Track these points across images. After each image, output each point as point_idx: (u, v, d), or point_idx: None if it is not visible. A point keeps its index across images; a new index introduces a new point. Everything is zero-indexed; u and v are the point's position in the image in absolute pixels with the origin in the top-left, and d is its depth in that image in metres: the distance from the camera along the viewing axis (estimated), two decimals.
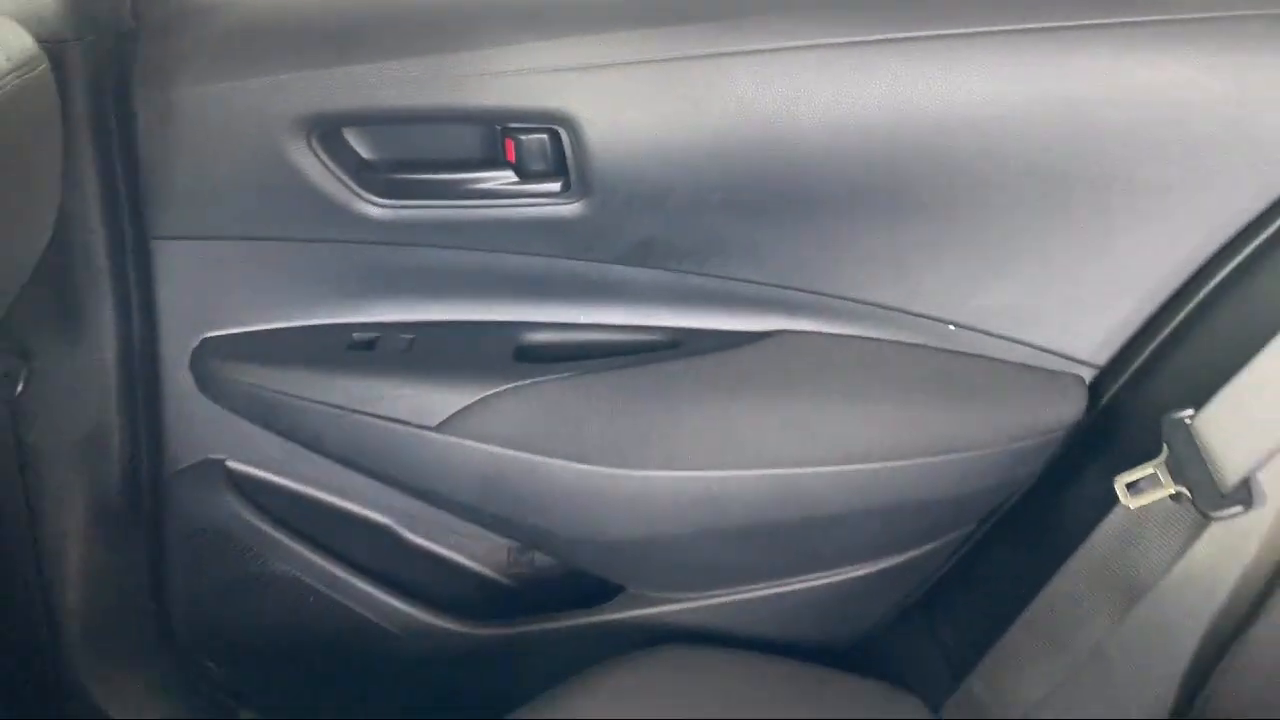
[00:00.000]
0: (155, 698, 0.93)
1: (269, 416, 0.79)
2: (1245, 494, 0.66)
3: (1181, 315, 0.75)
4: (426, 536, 0.89)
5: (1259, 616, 0.66)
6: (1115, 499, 0.71)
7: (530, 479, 0.76)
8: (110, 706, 0.91)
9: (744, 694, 0.77)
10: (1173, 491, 0.68)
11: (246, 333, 0.79)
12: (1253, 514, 0.66)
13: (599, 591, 0.88)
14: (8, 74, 0.50)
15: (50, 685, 0.89)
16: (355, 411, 0.76)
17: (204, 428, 0.83)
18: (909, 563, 0.84)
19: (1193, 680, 0.69)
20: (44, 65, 0.54)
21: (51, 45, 0.61)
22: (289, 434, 0.79)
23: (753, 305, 0.79)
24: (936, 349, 0.79)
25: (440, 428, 0.75)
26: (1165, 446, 0.69)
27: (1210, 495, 0.66)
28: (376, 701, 0.91)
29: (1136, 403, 0.76)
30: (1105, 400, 0.79)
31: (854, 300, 0.78)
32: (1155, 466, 0.69)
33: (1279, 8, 0.70)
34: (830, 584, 0.84)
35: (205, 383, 0.79)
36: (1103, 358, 0.78)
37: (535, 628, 0.87)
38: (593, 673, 0.76)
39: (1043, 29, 0.70)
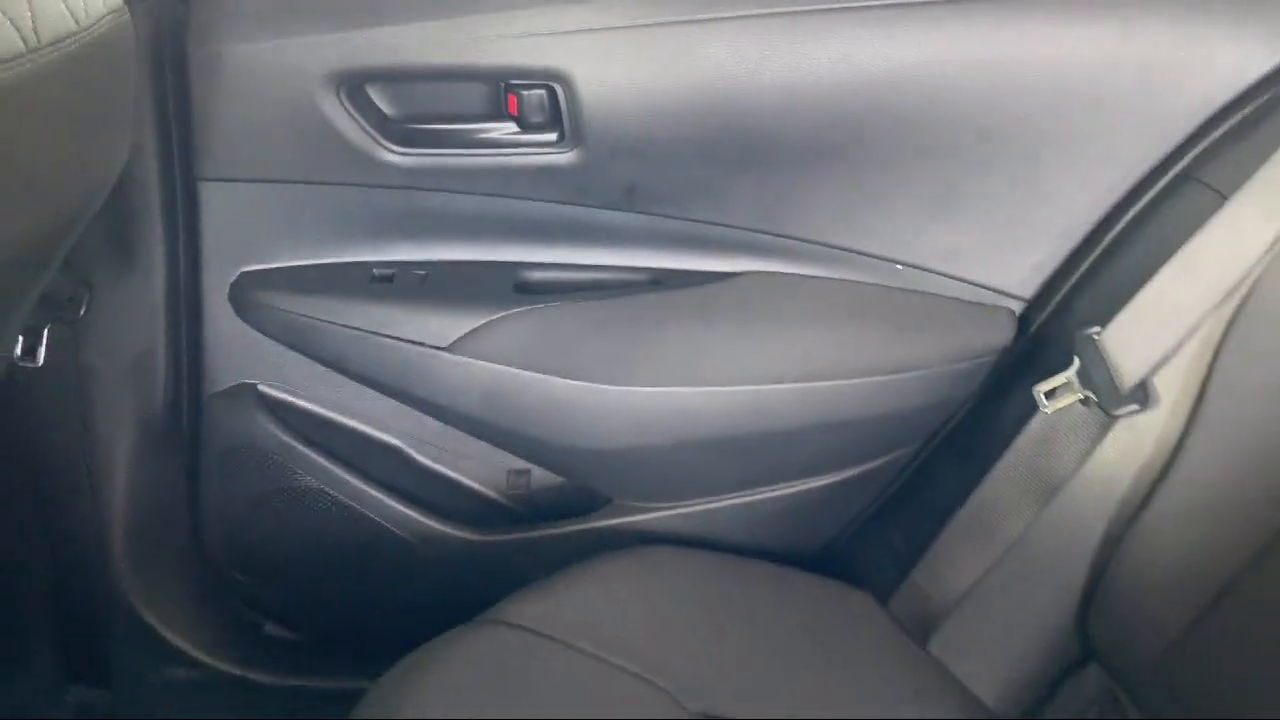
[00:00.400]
0: (187, 607, 1.04)
1: (299, 340, 0.89)
2: (1142, 395, 0.77)
3: (1096, 252, 0.86)
4: (433, 459, 1.00)
5: (1149, 505, 0.77)
6: (1036, 409, 0.82)
7: (527, 394, 0.87)
8: (146, 612, 1.01)
9: (714, 588, 0.88)
10: (1081, 396, 0.80)
11: (280, 268, 0.89)
12: (1148, 413, 0.77)
13: (587, 506, 0.99)
14: (104, 16, 0.60)
15: (94, 589, 0.99)
16: (374, 334, 0.87)
17: (239, 355, 0.93)
18: (864, 475, 0.96)
19: (1098, 564, 0.81)
20: (127, 15, 0.64)
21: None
22: (316, 355, 0.90)
23: (724, 247, 0.90)
24: (885, 286, 0.90)
25: (449, 348, 0.86)
26: (1076, 359, 0.80)
27: (1112, 397, 0.78)
28: (388, 603, 1.02)
29: (1058, 328, 0.88)
30: (1033, 329, 0.90)
31: (813, 242, 0.89)
32: (1067, 376, 0.81)
33: None
34: (793, 494, 0.95)
35: (242, 311, 0.89)
36: (1029, 291, 0.89)
37: (530, 535, 0.97)
38: (578, 568, 0.86)
39: (975, 1, 0.81)
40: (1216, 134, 0.80)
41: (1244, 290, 0.74)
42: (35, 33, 0.55)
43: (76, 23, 0.58)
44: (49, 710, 1.04)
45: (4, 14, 0.53)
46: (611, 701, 0.74)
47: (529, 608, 0.80)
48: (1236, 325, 0.74)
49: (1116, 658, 0.78)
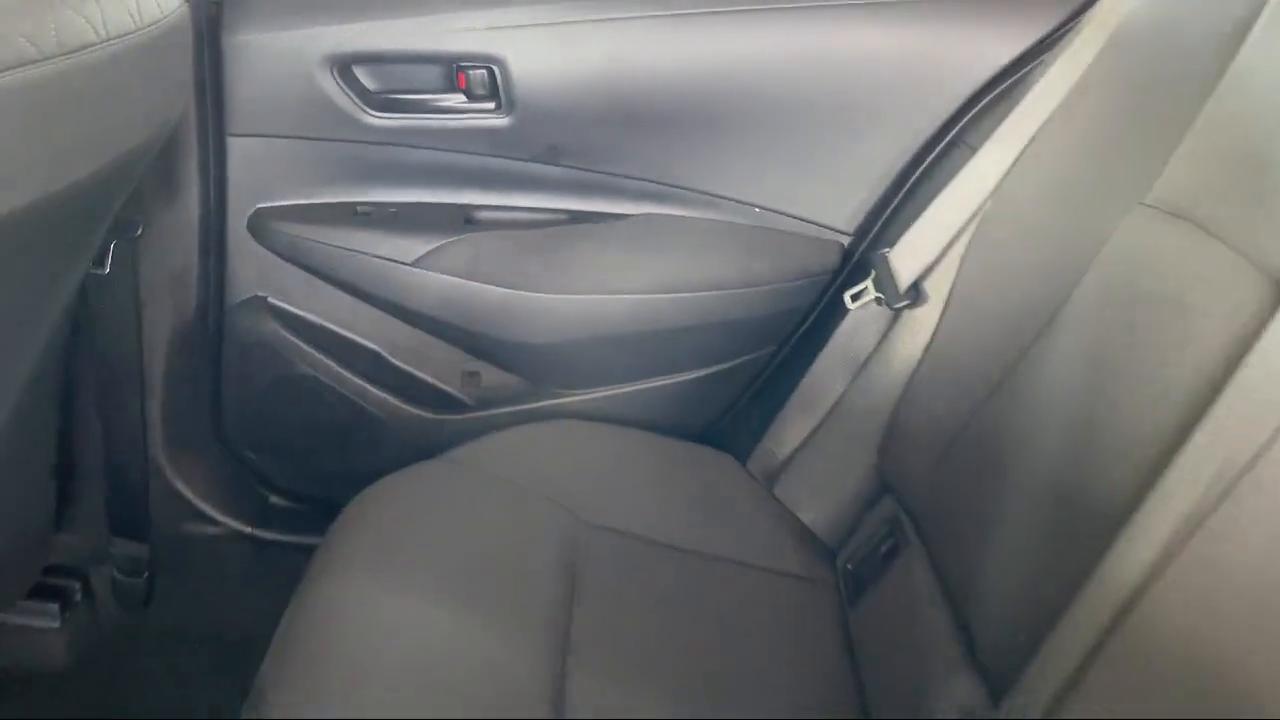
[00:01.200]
0: (209, 478, 1.31)
1: (301, 258, 1.18)
2: (914, 294, 1.07)
3: (898, 197, 1.16)
4: (402, 360, 1.28)
5: (920, 368, 1.06)
6: (847, 310, 1.11)
7: (472, 299, 1.16)
8: (177, 481, 1.29)
9: (612, 447, 1.17)
10: (875, 297, 1.09)
11: (287, 204, 1.17)
12: (921, 308, 1.07)
13: (523, 399, 1.28)
14: (161, 18, 0.87)
15: (137, 461, 1.26)
16: (357, 252, 1.15)
17: (255, 273, 1.21)
18: (733, 369, 1.25)
19: (891, 417, 1.09)
20: (186, 13, 0.92)
21: None
22: (313, 270, 1.18)
23: (621, 193, 1.19)
24: (745, 224, 1.19)
25: (414, 263, 1.15)
26: (874, 271, 1.10)
27: (894, 297, 1.07)
28: (364, 470, 1.30)
29: (869, 253, 1.17)
30: (855, 255, 1.19)
31: (687, 189, 1.19)
32: (866, 284, 1.10)
33: None
34: (679, 383, 1.24)
35: (258, 237, 1.18)
36: (852, 227, 1.19)
37: (476, 415, 1.26)
38: (509, 430, 1.15)
39: (793, 8, 1.10)
40: (974, 110, 1.10)
41: (980, 216, 1.03)
42: (105, 27, 0.83)
43: (135, 22, 0.86)
44: (100, 557, 1.31)
45: (82, 15, 0.80)
46: (526, 512, 1.03)
47: (469, 452, 1.09)
48: (974, 243, 1.03)
49: (900, 486, 1.07)
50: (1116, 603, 0.67)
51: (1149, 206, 0.84)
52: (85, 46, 0.75)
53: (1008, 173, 1.02)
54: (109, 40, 0.79)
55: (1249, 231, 0.74)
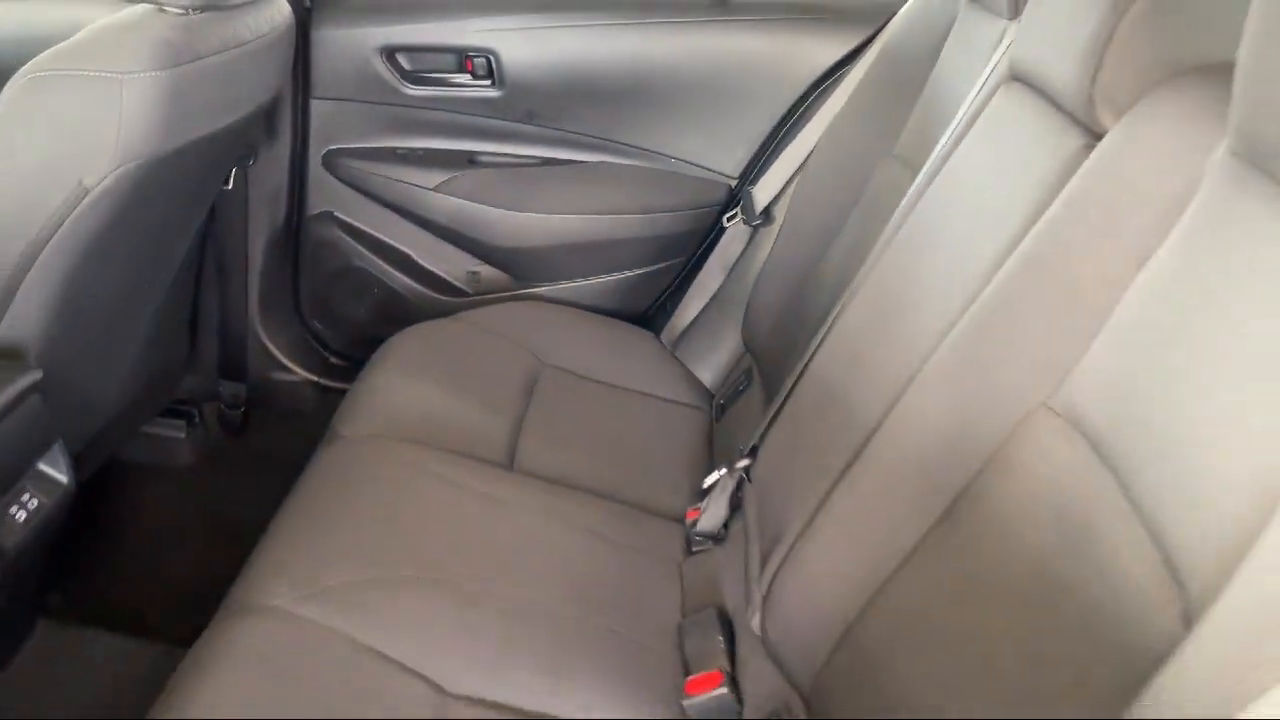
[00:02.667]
0: (288, 339, 1.86)
1: (357, 183, 1.72)
2: (765, 216, 1.59)
3: (766, 153, 1.67)
4: (425, 260, 1.82)
5: (768, 263, 1.58)
6: (724, 228, 1.64)
7: (475, 216, 1.70)
8: (266, 339, 1.83)
9: (563, 318, 1.70)
10: (741, 220, 1.62)
11: (349, 146, 1.72)
12: (770, 225, 1.59)
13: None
14: (280, 26, 1.40)
15: (241, 324, 1.81)
16: (395, 180, 1.70)
17: (326, 194, 1.75)
18: (657, 271, 1.78)
19: (748, 305, 1.61)
20: (293, 21, 1.45)
21: None
22: (365, 192, 1.72)
23: (577, 145, 1.72)
24: (664, 169, 1.72)
25: (434, 189, 1.69)
26: (741, 201, 1.62)
27: (752, 218, 1.60)
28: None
29: (742, 190, 1.69)
30: (737, 193, 1.71)
31: (626, 144, 1.71)
32: (736, 210, 1.63)
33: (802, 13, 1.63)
34: (617, 280, 1.77)
35: (329, 168, 1.72)
36: (736, 172, 1.71)
37: (474, 298, 1.80)
38: (493, 305, 1.69)
39: (694, 21, 1.62)
40: (814, 94, 1.62)
41: (806, 164, 1.55)
42: (253, 30, 1.36)
43: (269, 26, 1.39)
44: (211, 394, 1.86)
45: (244, 23, 1.33)
46: (503, 351, 1.56)
47: (467, 314, 1.63)
48: (800, 181, 1.55)
49: (752, 347, 1.59)
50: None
51: (893, 156, 1.36)
52: (245, 42, 1.29)
53: (822, 135, 1.54)
54: (257, 38, 1.33)
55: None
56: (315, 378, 1.87)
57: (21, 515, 1.15)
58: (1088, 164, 0.81)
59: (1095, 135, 0.83)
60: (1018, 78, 1.01)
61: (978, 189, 1.01)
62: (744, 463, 1.22)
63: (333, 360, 1.92)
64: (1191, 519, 0.61)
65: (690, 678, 1.05)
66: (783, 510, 1.05)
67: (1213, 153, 0.71)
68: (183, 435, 1.81)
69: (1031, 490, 0.79)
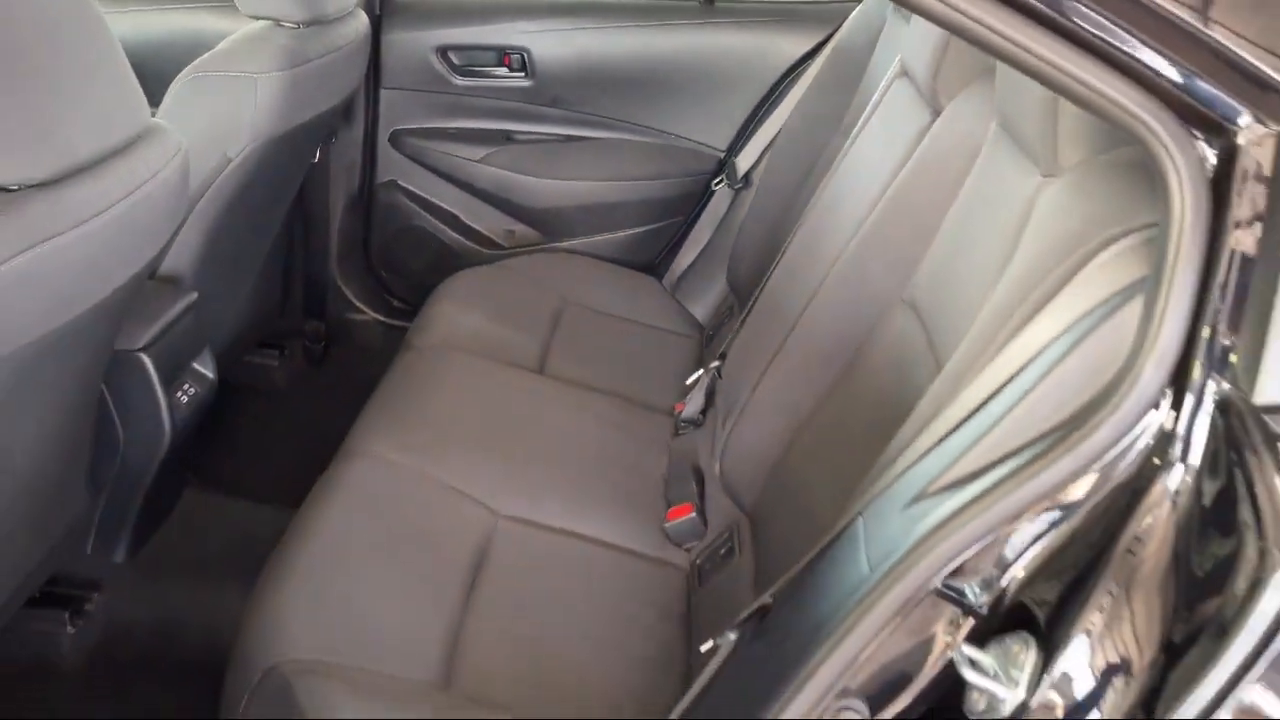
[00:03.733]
0: (360, 285, 2.26)
1: (417, 157, 2.12)
2: (745, 181, 1.97)
3: (750, 127, 2.05)
4: (471, 219, 2.21)
5: (744, 221, 1.97)
6: (713, 191, 2.03)
7: (511, 183, 2.10)
8: (341, 284, 2.24)
9: (583, 266, 2.10)
10: (728, 183, 2.00)
11: (411, 127, 2.12)
12: (750, 189, 1.97)
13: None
14: (366, 24, 1.80)
15: (324, 272, 2.21)
16: (448, 154, 2.10)
17: (391, 166, 2.16)
18: (660, 229, 2.16)
19: (731, 252, 2.00)
20: (368, 31, 1.84)
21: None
22: (424, 165, 2.13)
23: (595, 125, 2.11)
24: (664, 143, 2.11)
25: (479, 160, 2.09)
26: (726, 169, 2.00)
27: (734, 182, 1.98)
28: None
29: (730, 160, 2.07)
30: (725, 162, 2.09)
31: (634, 124, 2.11)
32: (722, 176, 2.01)
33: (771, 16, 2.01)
34: (628, 235, 2.17)
35: (394, 145, 2.12)
36: (724, 145, 2.09)
37: (513, 251, 2.19)
38: (526, 256, 2.09)
39: (687, 24, 2.00)
40: (785, 80, 1.99)
41: (777, 137, 1.93)
42: (345, 39, 1.76)
43: (354, 34, 1.79)
44: (296, 333, 2.27)
45: (340, 32, 1.73)
46: (534, 291, 1.96)
47: (505, 263, 2.03)
48: (772, 151, 1.93)
49: (735, 287, 1.97)
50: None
51: (839, 131, 1.74)
52: (339, 48, 1.70)
53: (790, 114, 1.92)
54: (347, 44, 1.73)
55: None
56: (381, 318, 2.27)
57: (184, 399, 1.56)
58: (930, 133, 1.20)
59: (936, 114, 1.22)
60: (904, 72, 1.40)
61: (871, 152, 1.39)
62: (716, 364, 1.62)
63: (395, 304, 2.33)
64: (961, 351, 1.00)
65: (670, 509, 1.45)
66: (736, 389, 1.44)
67: (993, 123, 1.09)
68: (276, 363, 2.23)
69: (885, 355, 1.18)
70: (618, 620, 1.29)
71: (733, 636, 0.92)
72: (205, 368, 1.62)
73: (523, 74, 2.08)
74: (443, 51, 2.06)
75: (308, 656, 1.08)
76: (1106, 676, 0.66)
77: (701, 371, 1.64)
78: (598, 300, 2.00)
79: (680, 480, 1.50)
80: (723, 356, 1.62)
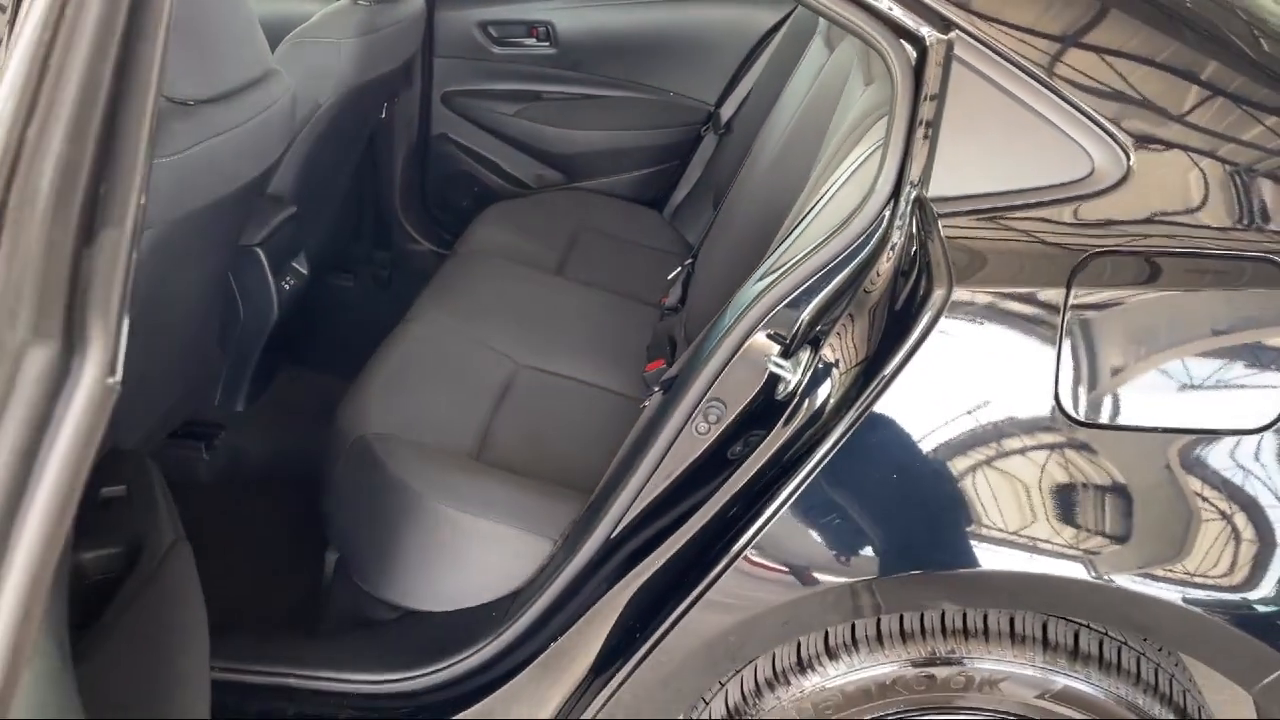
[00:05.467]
0: (418, 219, 2.76)
1: (464, 112, 2.61)
2: (727, 128, 2.43)
3: (732, 84, 2.50)
4: (508, 164, 2.70)
5: (724, 159, 2.42)
6: (701, 136, 2.49)
7: (539, 132, 2.59)
8: (404, 220, 2.73)
9: (600, 202, 2.57)
10: (712, 130, 2.46)
11: (459, 88, 2.61)
12: (730, 134, 2.42)
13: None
14: (414, 13, 2.28)
15: (390, 210, 2.71)
16: (489, 109, 2.58)
17: (443, 121, 2.65)
18: (662, 170, 2.62)
19: (715, 186, 2.46)
20: (424, 11, 2.33)
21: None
22: (469, 119, 2.62)
23: (608, 86, 2.59)
24: (663, 99, 2.57)
25: (513, 115, 2.58)
26: (711, 118, 2.46)
27: (718, 129, 2.44)
28: None
29: (713, 111, 2.53)
30: (712, 113, 2.55)
31: (639, 83, 2.58)
32: (709, 125, 2.47)
33: None
34: (635, 175, 2.64)
35: (445, 103, 2.62)
36: (713, 99, 2.54)
37: (542, 189, 2.67)
38: (550, 192, 2.57)
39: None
40: (762, 46, 2.44)
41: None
42: (404, 14, 2.25)
43: (411, 8, 2.28)
44: (368, 260, 2.76)
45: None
46: (556, 218, 2.43)
47: (534, 195, 2.51)
48: (747, 100, 2.38)
49: (715, 205, 2.43)
50: None
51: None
52: (401, 20, 2.19)
53: (761, 71, 2.36)
54: (406, 18, 2.22)
55: None
56: (435, 248, 2.77)
57: (286, 287, 2.06)
58: (824, 68, 1.65)
59: (831, 52, 1.67)
60: (822, 32, 1.85)
61: (796, 88, 1.85)
62: (690, 261, 2.08)
63: (446, 236, 2.81)
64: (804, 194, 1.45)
65: (649, 364, 1.91)
66: (699, 268, 1.91)
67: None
68: (350, 284, 2.73)
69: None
70: (602, 434, 1.76)
71: (656, 392, 1.39)
72: (301, 266, 2.13)
73: (547, 43, 2.55)
74: (483, 26, 2.55)
75: (384, 430, 1.57)
76: (838, 363, 1.11)
77: (679, 269, 2.10)
78: (607, 226, 2.47)
79: (658, 345, 1.96)
80: (694, 254, 2.09)
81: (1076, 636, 1.18)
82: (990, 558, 1.10)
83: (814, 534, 1.13)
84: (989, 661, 1.18)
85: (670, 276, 2.13)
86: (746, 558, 1.14)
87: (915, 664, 1.20)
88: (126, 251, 0.61)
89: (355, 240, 2.73)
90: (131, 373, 0.60)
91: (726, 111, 2.46)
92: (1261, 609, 1.08)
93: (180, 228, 1.49)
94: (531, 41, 2.56)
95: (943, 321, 1.07)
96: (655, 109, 2.59)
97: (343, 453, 1.57)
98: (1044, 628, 1.18)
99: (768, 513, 1.12)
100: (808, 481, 1.11)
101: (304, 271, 2.13)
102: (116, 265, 0.60)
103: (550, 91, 2.62)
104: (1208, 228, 1.07)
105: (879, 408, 1.09)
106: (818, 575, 1.14)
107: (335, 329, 2.61)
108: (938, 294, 1.06)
